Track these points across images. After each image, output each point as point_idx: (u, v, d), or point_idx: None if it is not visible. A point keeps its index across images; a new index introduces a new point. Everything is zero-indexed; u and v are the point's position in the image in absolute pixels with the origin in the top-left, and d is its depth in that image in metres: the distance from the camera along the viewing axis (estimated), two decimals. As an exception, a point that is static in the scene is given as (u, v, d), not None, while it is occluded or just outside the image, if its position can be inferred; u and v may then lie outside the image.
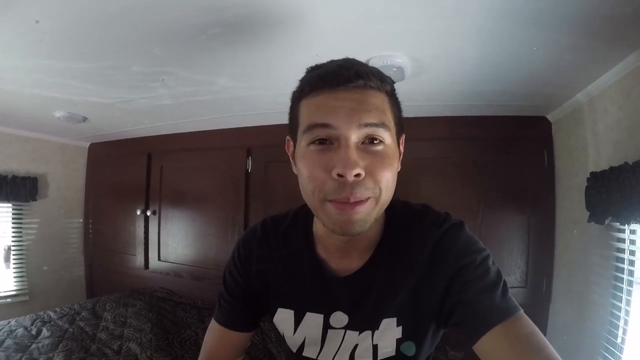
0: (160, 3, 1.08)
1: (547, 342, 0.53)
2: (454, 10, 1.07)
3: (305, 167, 0.58)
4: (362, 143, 0.56)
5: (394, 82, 0.63)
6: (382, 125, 0.56)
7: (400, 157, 0.65)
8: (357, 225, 0.56)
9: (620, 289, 1.41)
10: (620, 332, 1.38)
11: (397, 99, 0.63)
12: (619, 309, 1.40)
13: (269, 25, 1.21)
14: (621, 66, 1.32)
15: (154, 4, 1.09)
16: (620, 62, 1.31)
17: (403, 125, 0.66)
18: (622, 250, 1.41)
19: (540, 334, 0.55)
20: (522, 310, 0.57)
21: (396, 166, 0.59)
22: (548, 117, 1.96)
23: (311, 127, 0.57)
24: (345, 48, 1.30)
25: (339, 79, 0.55)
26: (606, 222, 1.39)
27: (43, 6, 1.09)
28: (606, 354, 1.41)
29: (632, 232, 1.38)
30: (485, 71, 1.49)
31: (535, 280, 1.93)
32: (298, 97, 0.62)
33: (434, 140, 2.12)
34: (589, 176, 1.49)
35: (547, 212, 1.93)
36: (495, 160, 2.02)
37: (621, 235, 1.42)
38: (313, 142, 0.57)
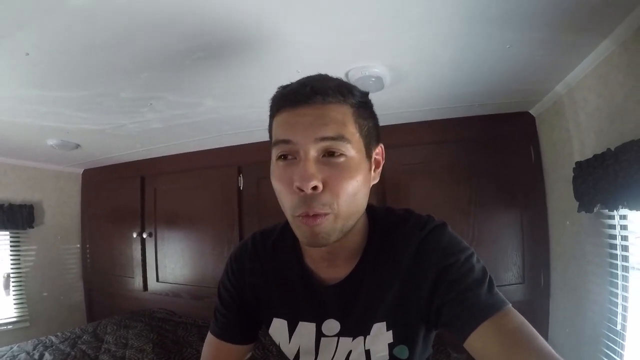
0: (145, 31, 1.12)
1: (537, 334, 0.54)
2: (423, 17, 1.10)
3: (275, 181, 0.61)
4: (323, 156, 0.57)
5: (366, 94, 0.64)
6: (341, 138, 0.57)
7: (377, 167, 0.67)
8: (320, 237, 0.58)
9: (616, 275, 1.41)
10: (619, 319, 1.38)
11: (367, 110, 0.64)
12: (617, 295, 1.40)
13: (248, 46, 1.25)
14: (595, 54, 1.34)
15: (139, 33, 1.13)
16: (593, 50, 1.32)
17: (379, 135, 0.67)
18: (614, 237, 1.41)
19: (530, 326, 0.55)
20: (509, 305, 0.58)
21: (360, 178, 0.60)
22: (531, 111, 1.98)
23: (276, 143, 0.60)
24: (324, 62, 1.34)
25: (298, 97, 0.58)
26: (595, 210, 1.40)
27: (33, 39, 1.13)
28: (607, 342, 1.41)
29: (622, 217, 1.38)
30: (463, 74, 1.51)
31: (532, 275, 1.92)
32: (270, 115, 0.65)
33: (420, 145, 2.15)
34: (574, 166, 1.50)
35: (539, 206, 1.94)
36: (483, 160, 2.04)
37: (612, 221, 1.43)
38: (279, 158, 0.60)
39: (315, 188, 0.55)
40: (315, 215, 0.57)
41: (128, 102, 1.71)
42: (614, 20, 1.15)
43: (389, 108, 1.89)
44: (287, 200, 0.59)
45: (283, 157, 0.59)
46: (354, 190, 0.59)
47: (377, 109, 0.67)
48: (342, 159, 0.58)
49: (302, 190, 0.55)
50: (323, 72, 0.65)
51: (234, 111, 1.92)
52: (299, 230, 0.60)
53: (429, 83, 1.61)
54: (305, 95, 0.57)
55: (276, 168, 0.61)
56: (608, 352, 1.40)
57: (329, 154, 0.57)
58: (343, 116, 0.59)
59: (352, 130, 0.59)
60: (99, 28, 1.09)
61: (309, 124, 0.57)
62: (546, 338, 1.83)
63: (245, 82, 1.54)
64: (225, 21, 1.09)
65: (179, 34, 1.15)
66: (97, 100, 1.66)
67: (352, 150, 0.58)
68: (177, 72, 1.42)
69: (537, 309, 1.83)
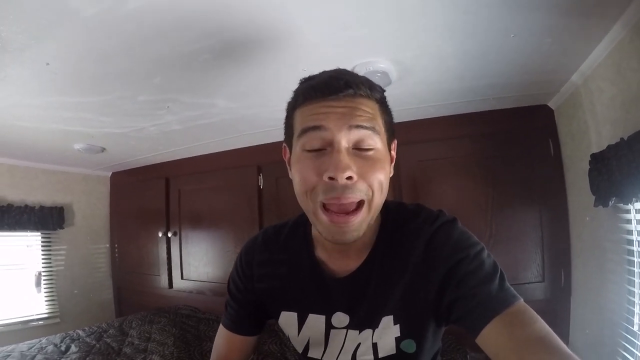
0: (153, 36, 1.18)
1: (548, 328, 0.53)
2: (418, 8, 1.09)
3: (299, 171, 0.61)
4: (354, 148, 0.58)
5: (384, 91, 0.65)
6: (373, 129, 0.58)
7: (392, 162, 0.68)
8: (350, 234, 0.59)
9: (633, 273, 1.33)
10: (636, 319, 1.30)
11: (387, 106, 0.66)
12: (634, 294, 1.32)
13: (256, 46, 1.28)
14: (607, 40, 1.27)
15: (147, 38, 1.19)
16: (605, 35, 1.26)
17: (394, 131, 0.68)
18: (631, 232, 1.34)
19: (541, 320, 0.55)
20: (521, 299, 0.58)
21: (388, 170, 0.61)
22: (549, 104, 1.91)
23: (305, 130, 0.60)
24: (329, 59, 1.35)
25: (330, 89, 0.58)
26: (610, 204, 1.33)
27: (51, 49, 1.22)
28: (625, 344, 1.34)
29: (638, 211, 1.30)
30: (469, 66, 1.48)
31: (552, 273, 1.83)
32: (293, 106, 0.65)
33: (436, 141, 2.11)
34: (590, 159, 1.44)
35: (559, 201, 1.86)
36: (501, 155, 1.98)
37: (629, 216, 1.35)
38: (307, 150, 0.60)
39: (350, 179, 0.56)
40: (348, 214, 0.58)
41: (146, 105, 1.78)
42: (621, 2, 1.09)
43: (402, 104, 1.87)
44: (308, 188, 0.59)
45: (313, 150, 0.60)
46: (385, 182, 0.61)
47: (390, 105, 0.68)
48: (371, 152, 0.59)
49: (333, 180, 0.56)
50: (328, 70, 0.65)
51: (246, 111, 1.95)
52: (323, 226, 0.60)
53: (437, 76, 1.58)
54: (338, 88, 0.58)
55: (302, 157, 0.61)
56: (625, 354, 1.33)
57: (359, 147, 0.58)
58: (372, 110, 0.60)
59: (380, 124, 0.61)
60: (109, 36, 1.16)
61: (343, 113, 0.58)
62: (567, 339, 1.75)
63: (254, 82, 1.56)
64: (229, 22, 1.12)
65: (183, 38, 1.20)
66: (117, 104, 1.74)
67: (380, 143, 0.60)
68: (186, 74, 1.47)
69: (557, 308, 1.75)
